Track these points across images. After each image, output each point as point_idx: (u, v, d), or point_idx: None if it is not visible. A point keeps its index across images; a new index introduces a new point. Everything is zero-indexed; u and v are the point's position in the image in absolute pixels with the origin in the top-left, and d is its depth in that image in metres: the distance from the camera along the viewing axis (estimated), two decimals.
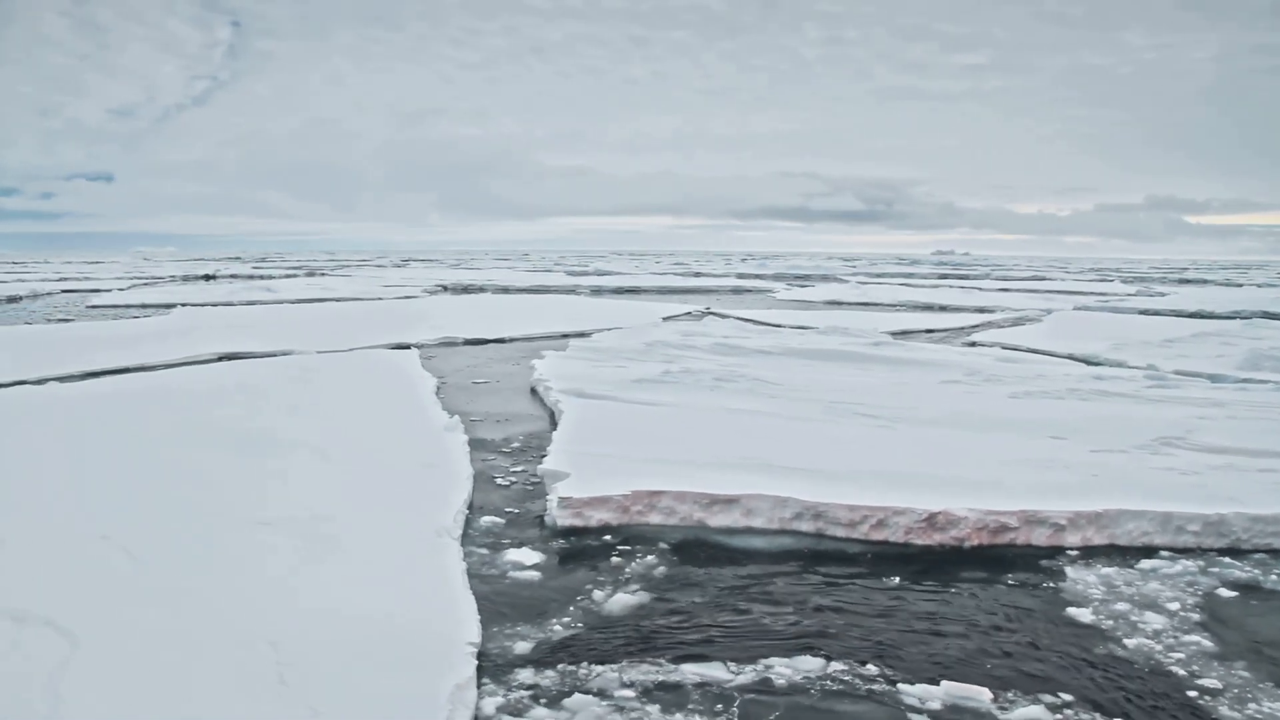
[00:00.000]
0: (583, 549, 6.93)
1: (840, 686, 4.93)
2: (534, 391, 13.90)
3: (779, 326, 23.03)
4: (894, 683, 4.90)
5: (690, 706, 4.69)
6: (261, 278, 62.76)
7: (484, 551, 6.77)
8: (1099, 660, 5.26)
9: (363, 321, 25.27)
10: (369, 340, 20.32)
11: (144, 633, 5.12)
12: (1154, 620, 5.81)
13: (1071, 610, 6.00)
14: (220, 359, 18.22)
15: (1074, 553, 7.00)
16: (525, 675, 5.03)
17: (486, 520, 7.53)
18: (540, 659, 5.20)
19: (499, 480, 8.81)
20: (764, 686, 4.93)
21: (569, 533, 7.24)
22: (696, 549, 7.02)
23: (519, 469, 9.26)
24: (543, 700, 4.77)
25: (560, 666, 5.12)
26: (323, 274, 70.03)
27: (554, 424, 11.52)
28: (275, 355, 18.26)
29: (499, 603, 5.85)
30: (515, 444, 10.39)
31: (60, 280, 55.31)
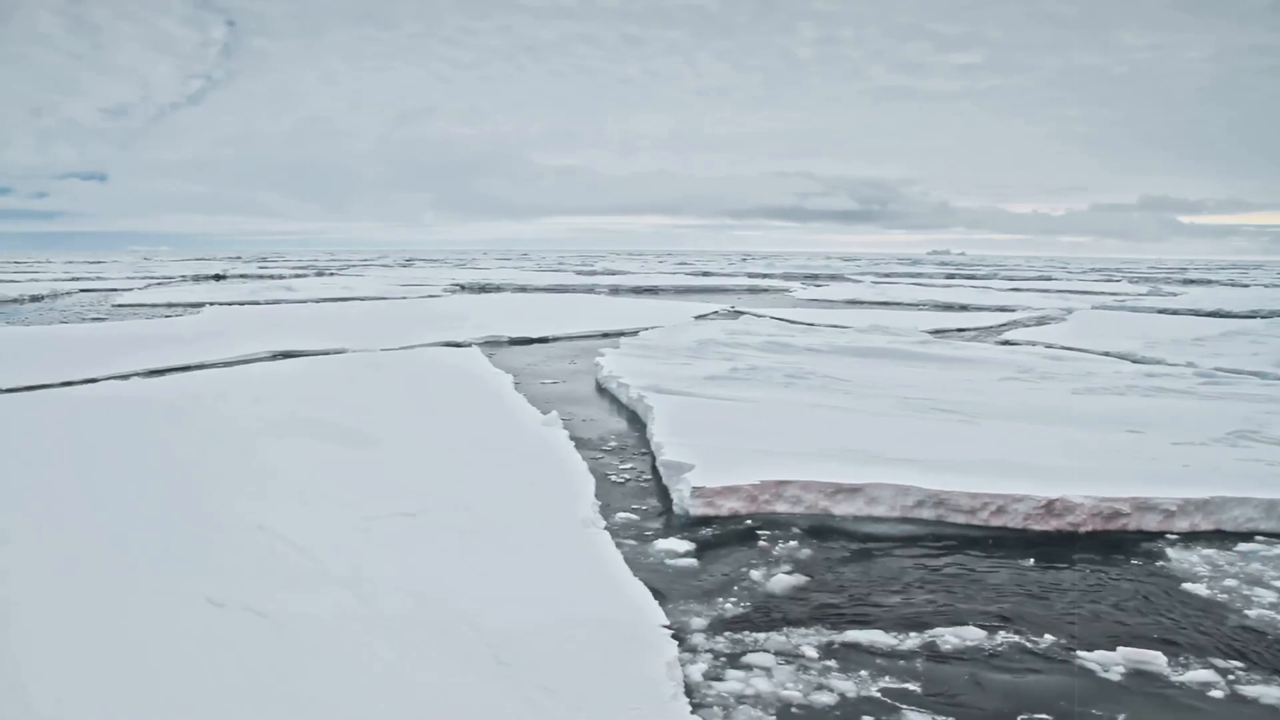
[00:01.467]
0: (725, 536, 7.33)
1: (1014, 654, 5.35)
2: (603, 389, 14.28)
3: (815, 325, 23.44)
4: (1068, 650, 5.33)
5: (871, 667, 5.16)
6: (273, 277, 62.96)
7: (632, 541, 7.15)
8: (1232, 629, 5.70)
9: (403, 320, 25.60)
10: (416, 339, 20.65)
11: (344, 617, 5.43)
12: (1265, 595, 6.25)
13: (1187, 586, 6.44)
14: (275, 356, 18.56)
15: (1174, 536, 7.43)
16: (714, 647, 5.43)
17: (617, 511, 7.90)
18: (722, 633, 5.60)
19: (610, 474, 9.18)
20: (936, 652, 5.36)
21: (701, 521, 7.64)
22: (829, 534, 7.42)
23: (627, 464, 9.65)
24: (736, 667, 5.18)
25: (742, 637, 5.54)
26: (332, 274, 70.15)
27: (635, 420, 11.94)
28: (330, 353, 18.58)
29: (666, 587, 6.22)
30: (611, 440, 10.77)
31: (73, 280, 55.41)
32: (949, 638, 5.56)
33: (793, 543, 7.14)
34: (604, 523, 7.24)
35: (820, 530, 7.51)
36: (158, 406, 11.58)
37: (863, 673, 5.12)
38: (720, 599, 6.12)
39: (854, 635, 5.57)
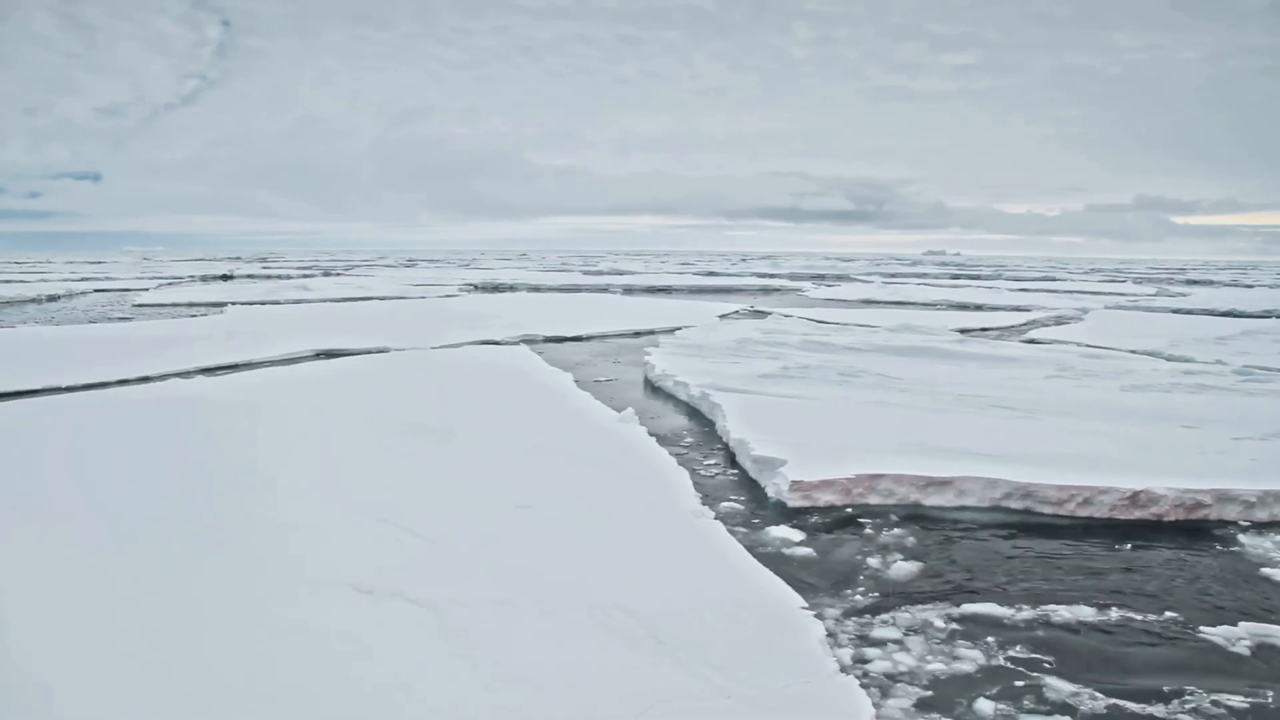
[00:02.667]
0: (828, 526, 7.65)
1: (1132, 628, 5.69)
2: (656, 386, 14.57)
3: (845, 325, 23.76)
4: (1189, 626, 5.66)
5: (998, 641, 5.52)
6: (282, 277, 63.09)
7: (741, 531, 7.45)
8: None
9: (433, 319, 25.85)
10: (454, 338, 20.91)
11: (499, 604, 5.69)
12: None
13: (1265, 570, 6.79)
14: (319, 355, 18.81)
15: (1245, 524, 7.78)
16: (851, 626, 5.75)
17: (716, 503, 8.20)
18: (854, 614, 5.92)
19: (695, 469, 9.47)
20: (1055, 626, 5.73)
21: (800, 513, 7.95)
22: (926, 524, 7.75)
23: (709, 459, 9.95)
24: (875, 644, 5.51)
25: (872, 617, 5.87)
26: (339, 274, 70.21)
27: (697, 416, 12.23)
28: (373, 352, 18.83)
29: (789, 573, 6.51)
30: (683, 436, 11.07)
31: (83, 280, 55.45)
32: (1063, 613, 5.92)
33: (896, 531, 7.46)
34: (712, 513, 7.53)
35: (915, 520, 7.83)
36: (236, 405, 11.82)
37: (991, 645, 5.48)
38: (843, 583, 6.43)
39: (974, 612, 5.95)
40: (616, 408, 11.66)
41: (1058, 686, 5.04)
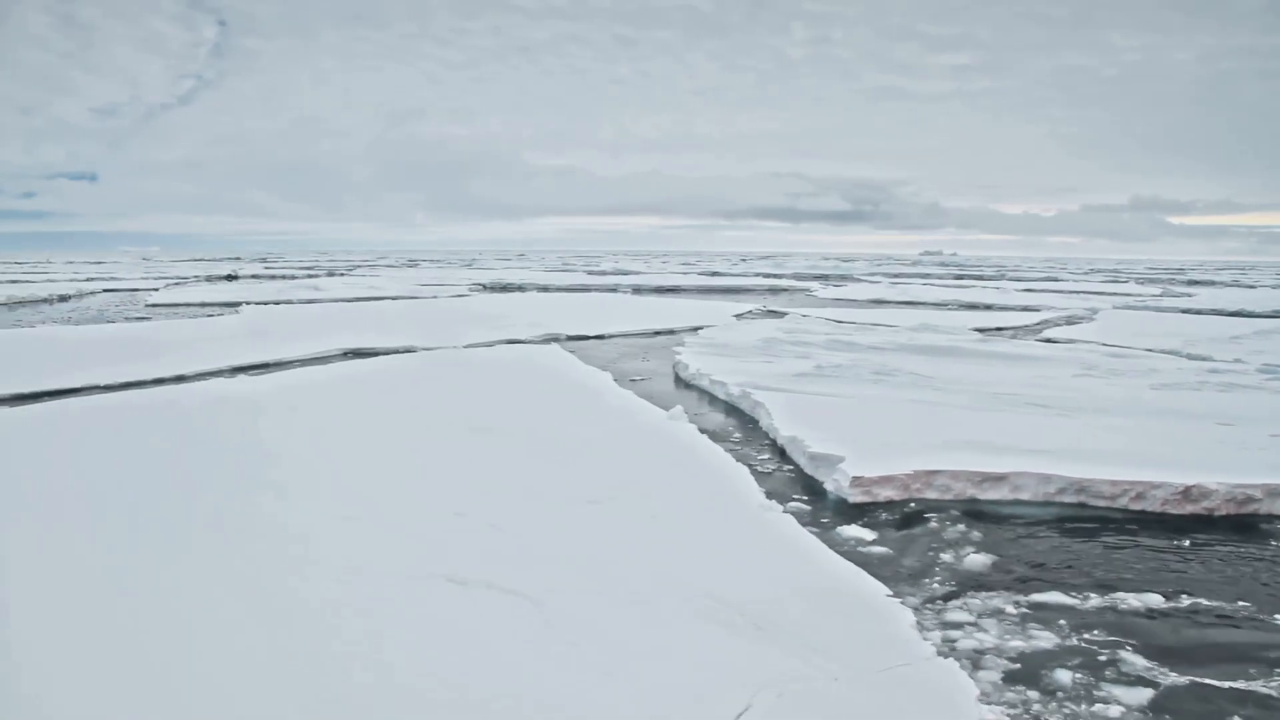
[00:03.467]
0: (894, 520, 7.87)
1: (1206, 614, 5.93)
2: (690, 384, 14.78)
3: (865, 324, 23.99)
4: (1262, 611, 5.90)
5: (1071, 624, 5.78)
6: (286, 277, 63.17)
7: (810, 524, 7.65)
8: None
9: (452, 318, 26.02)
10: (478, 337, 21.09)
11: (595, 593, 5.86)
12: None
13: None
14: (347, 354, 18.98)
15: None
16: (933, 611, 5.97)
17: (777, 498, 8.40)
18: (934, 601, 6.13)
19: (751, 465, 9.66)
20: (1125, 612, 5.98)
21: (861, 507, 8.17)
22: (985, 517, 7.97)
23: (761, 455, 10.17)
24: (957, 627, 5.74)
25: (949, 602, 6.11)
26: (342, 274, 70.26)
27: (736, 413, 12.44)
28: (401, 351, 19.01)
29: (864, 563, 6.72)
30: (731, 433, 11.28)
31: (88, 280, 55.50)
32: (1131, 600, 6.18)
33: (959, 526, 7.68)
34: (780, 507, 7.74)
35: (973, 514, 8.04)
36: (286, 405, 12.01)
37: (1065, 627, 5.77)
38: (919, 574, 6.65)
39: (1045, 599, 6.22)
40: (657, 405, 11.86)
41: (1133, 661, 5.30)
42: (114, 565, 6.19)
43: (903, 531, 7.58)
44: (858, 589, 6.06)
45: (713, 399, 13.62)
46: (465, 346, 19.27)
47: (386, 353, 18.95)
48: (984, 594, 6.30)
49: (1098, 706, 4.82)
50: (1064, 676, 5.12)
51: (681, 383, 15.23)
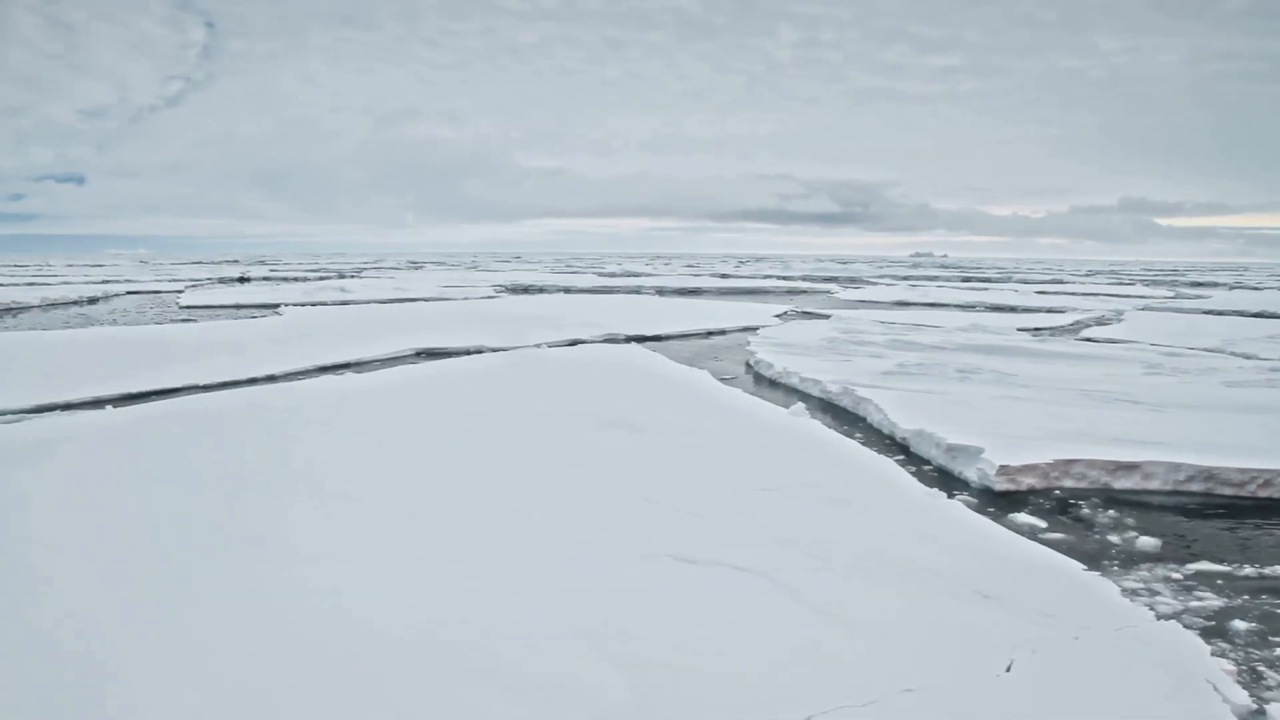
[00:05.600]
0: (1050, 506, 8.47)
1: None
2: (773, 382, 15.35)
3: (916, 325, 24.62)
4: None
5: (1251, 594, 6.35)
6: (299, 279, 63.32)
7: (974, 512, 8.23)
8: None
9: (505, 319, 26.46)
10: (539, 337, 21.56)
11: (808, 569, 6.35)
12: None
13: None
14: (420, 354, 19.46)
15: None
16: (1130, 584, 6.55)
17: (927, 486, 8.98)
18: (1126, 575, 6.72)
19: (885, 456, 10.24)
20: None
21: (1006, 495, 8.75)
22: (1131, 505, 8.58)
23: (885, 448, 10.73)
24: (1153, 593, 6.32)
25: (1144, 575, 6.69)
26: (352, 276, 70.39)
27: (835, 409, 13.02)
28: (471, 352, 19.49)
29: (1048, 545, 7.30)
30: (845, 428, 11.83)
31: (103, 282, 55.58)
32: None
33: (1110, 510, 8.29)
34: (944, 494, 8.32)
35: (1114, 500, 8.66)
36: (415, 402, 12.49)
37: (1239, 595, 6.34)
38: (1096, 551, 7.24)
39: (1209, 570, 6.82)
40: (800, 403, 12.38)
41: None
42: (301, 550, 6.69)
43: (1062, 516, 8.17)
44: (1054, 564, 6.63)
45: (805, 395, 14.17)
46: (534, 346, 19.76)
47: (459, 353, 19.43)
48: (1163, 568, 6.89)
49: None
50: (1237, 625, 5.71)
51: (765, 380, 15.79)
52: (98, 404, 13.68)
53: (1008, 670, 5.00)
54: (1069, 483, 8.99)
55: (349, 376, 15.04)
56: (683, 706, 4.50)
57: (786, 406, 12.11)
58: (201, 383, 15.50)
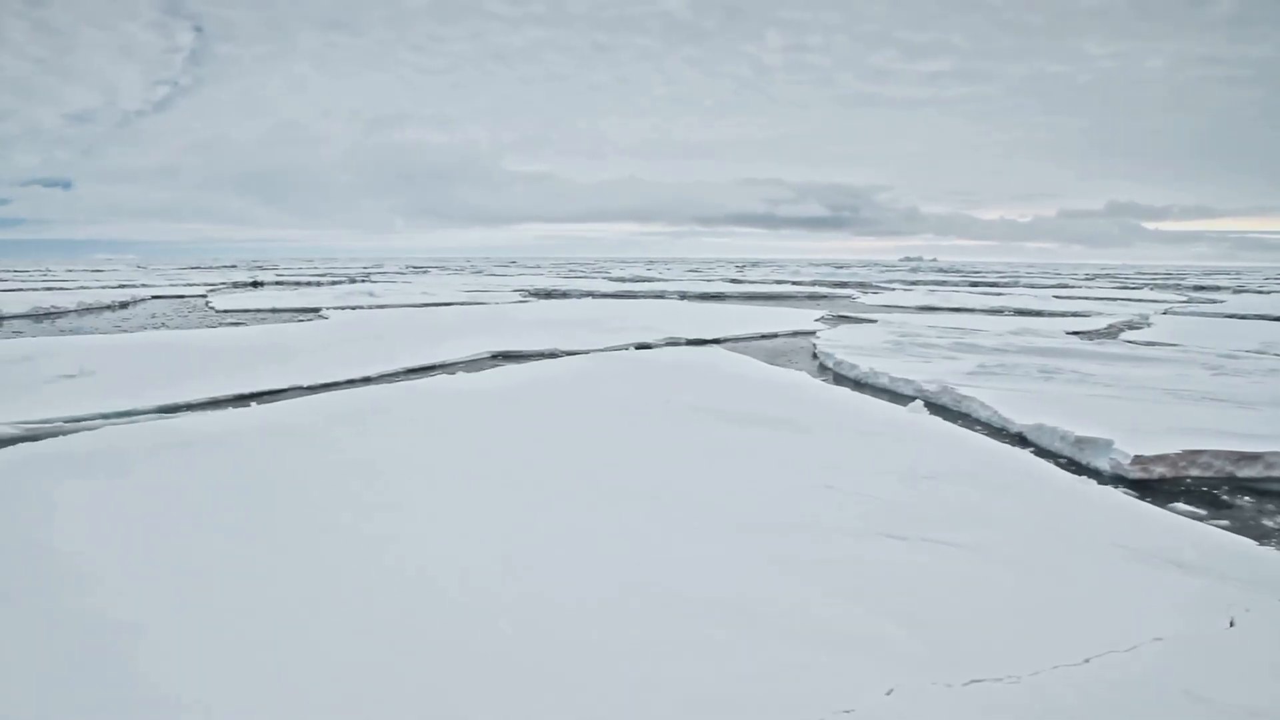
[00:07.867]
0: (1188, 494, 9.15)
1: None
2: (857, 382, 16.00)
3: (963, 329, 25.37)
4: None
5: None
6: (311, 284, 63.63)
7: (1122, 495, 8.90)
8: None
9: (560, 323, 26.97)
10: (602, 341, 22.09)
11: (1006, 545, 7.02)
12: None
13: None
14: (495, 357, 19.99)
15: None
16: None
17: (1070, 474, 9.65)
18: None
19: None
20: None
21: (1138, 484, 9.43)
22: (1264, 494, 9.27)
23: (999, 443, 11.41)
24: None
25: None
26: (360, 281, 70.51)
27: (937, 409, 13.68)
28: (544, 355, 20.05)
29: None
30: (977, 427, 12.49)
31: (120, 288, 55.70)
32: None
33: (1245, 497, 8.99)
34: (1093, 481, 8.99)
35: (1244, 489, 9.35)
36: (543, 400, 13.04)
37: None
38: (1247, 529, 7.91)
39: None
40: (918, 400, 13.02)
41: None
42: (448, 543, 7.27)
43: (1202, 501, 8.86)
44: (1226, 541, 7.29)
45: (897, 395, 14.82)
46: (620, 348, 20.33)
47: (534, 356, 19.97)
48: None
49: None
50: None
51: (849, 381, 16.42)
52: (215, 404, 14.15)
53: (1230, 625, 5.65)
54: (1195, 472, 9.67)
55: (460, 377, 15.55)
56: (970, 651, 5.11)
57: (898, 404, 12.75)
58: (306, 384, 15.94)
